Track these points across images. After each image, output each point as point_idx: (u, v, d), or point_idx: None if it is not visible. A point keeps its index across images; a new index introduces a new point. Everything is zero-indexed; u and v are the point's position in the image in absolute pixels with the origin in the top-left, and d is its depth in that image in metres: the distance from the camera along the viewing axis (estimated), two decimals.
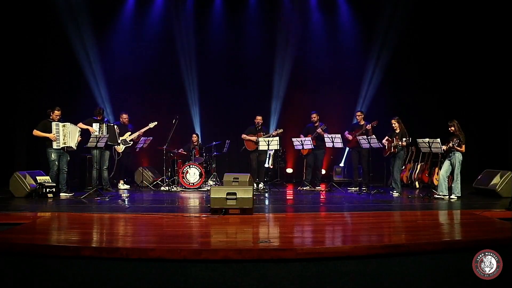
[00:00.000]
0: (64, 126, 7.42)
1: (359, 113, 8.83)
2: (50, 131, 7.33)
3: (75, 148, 7.60)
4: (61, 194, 7.42)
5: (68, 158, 7.59)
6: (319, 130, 8.60)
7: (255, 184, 8.34)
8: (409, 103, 10.31)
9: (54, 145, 7.35)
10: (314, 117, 8.90)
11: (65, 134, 7.41)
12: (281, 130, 8.73)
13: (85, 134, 7.79)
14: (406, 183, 9.20)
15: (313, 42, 11.02)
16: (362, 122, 8.66)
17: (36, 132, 7.35)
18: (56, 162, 7.40)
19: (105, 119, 8.36)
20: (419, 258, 3.77)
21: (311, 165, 8.92)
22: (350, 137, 8.61)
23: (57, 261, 3.63)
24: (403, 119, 7.86)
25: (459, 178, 7.07)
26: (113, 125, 8.31)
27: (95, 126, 7.93)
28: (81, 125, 7.88)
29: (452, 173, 7.13)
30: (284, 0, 10.91)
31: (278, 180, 10.04)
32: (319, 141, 8.69)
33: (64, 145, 7.40)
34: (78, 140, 7.59)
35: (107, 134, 7.90)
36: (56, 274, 3.63)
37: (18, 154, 9.53)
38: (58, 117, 7.44)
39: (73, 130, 7.51)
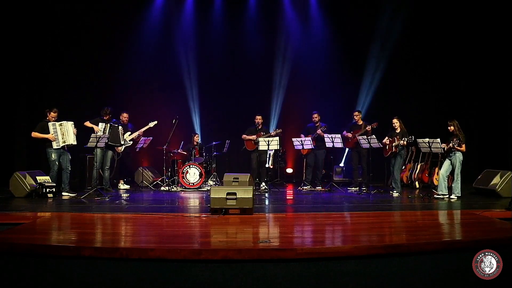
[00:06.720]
0: (60, 125, 7.43)
1: (356, 113, 8.82)
2: (47, 132, 7.35)
3: (75, 143, 7.58)
4: (64, 193, 7.41)
5: (70, 157, 7.59)
6: (319, 131, 8.59)
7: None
8: (409, 103, 10.30)
9: (54, 145, 7.36)
10: (316, 117, 8.90)
11: (63, 133, 7.43)
12: (279, 130, 8.75)
13: (87, 132, 7.75)
14: (406, 183, 9.19)
15: (313, 42, 11.00)
16: (360, 122, 8.65)
17: (34, 134, 7.37)
18: (57, 162, 7.41)
19: (113, 119, 8.32)
20: (419, 258, 3.77)
21: (311, 165, 8.92)
22: (349, 135, 8.60)
23: (57, 261, 3.63)
24: (403, 119, 7.85)
25: (459, 178, 7.07)
26: (117, 126, 8.23)
27: (101, 125, 7.93)
28: (88, 123, 7.91)
29: (452, 173, 7.12)
30: (284, 0, 10.92)
31: (278, 180, 10.03)
32: (319, 141, 8.68)
33: (64, 144, 7.42)
34: (75, 133, 7.55)
35: (108, 134, 7.89)
36: (56, 274, 3.63)
37: (18, 154, 9.52)
38: (54, 118, 7.45)
39: (69, 127, 7.50)
